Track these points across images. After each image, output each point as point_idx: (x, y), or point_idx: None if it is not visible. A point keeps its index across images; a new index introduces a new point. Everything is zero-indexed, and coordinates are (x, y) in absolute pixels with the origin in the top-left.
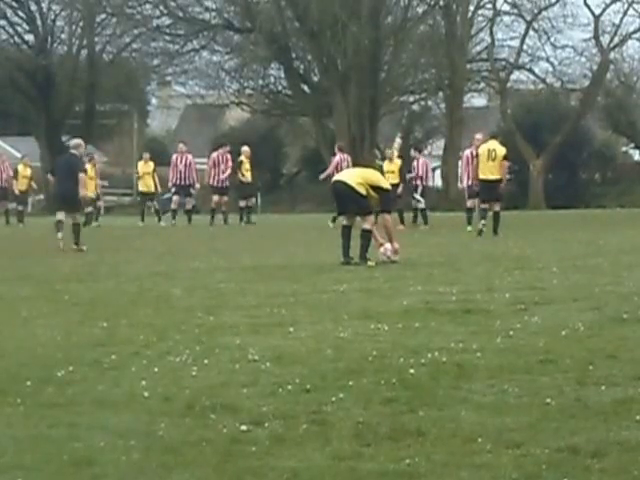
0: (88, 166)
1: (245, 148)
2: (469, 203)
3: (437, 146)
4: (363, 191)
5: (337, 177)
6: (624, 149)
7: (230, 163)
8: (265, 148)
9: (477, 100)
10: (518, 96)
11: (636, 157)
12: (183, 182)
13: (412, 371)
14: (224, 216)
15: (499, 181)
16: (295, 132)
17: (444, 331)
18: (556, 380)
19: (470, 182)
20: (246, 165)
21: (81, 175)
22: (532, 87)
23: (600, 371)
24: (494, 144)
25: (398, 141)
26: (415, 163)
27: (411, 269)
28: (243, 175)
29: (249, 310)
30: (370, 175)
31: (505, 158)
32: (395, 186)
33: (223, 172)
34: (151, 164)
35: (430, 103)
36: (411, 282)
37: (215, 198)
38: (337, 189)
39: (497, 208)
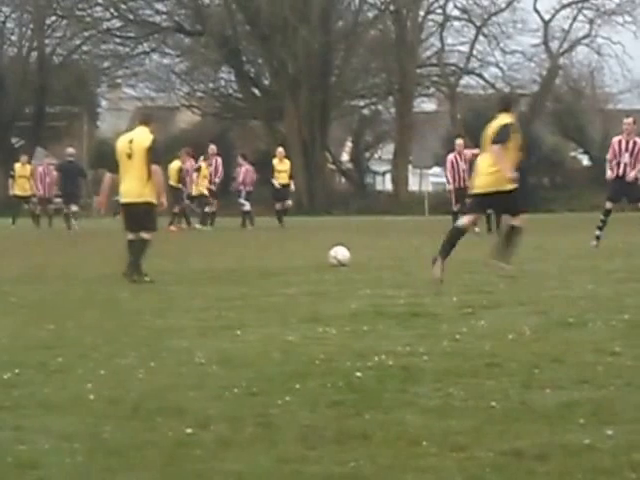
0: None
1: (280, 149)
2: (455, 207)
3: (387, 150)
4: (151, 197)
5: (125, 199)
6: (573, 154)
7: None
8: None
9: (427, 105)
10: (468, 101)
11: (585, 162)
12: None
13: (359, 374)
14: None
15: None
16: (246, 135)
17: (391, 334)
18: (501, 384)
19: (457, 185)
20: (277, 167)
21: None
22: (482, 92)
23: (545, 375)
24: None
25: (349, 145)
26: (238, 169)
27: (360, 272)
28: (276, 178)
29: (197, 313)
30: (143, 153)
31: None
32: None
33: None
34: (28, 167)
35: (380, 107)
36: (360, 285)
37: None
38: (129, 211)
39: None
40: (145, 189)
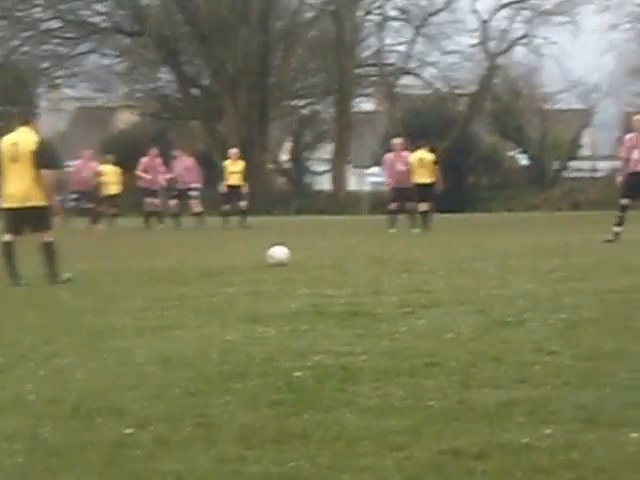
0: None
1: (234, 150)
2: (391, 206)
3: (326, 150)
4: (41, 200)
5: (9, 204)
6: (511, 154)
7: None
8: None
9: (366, 104)
10: (406, 101)
11: (523, 162)
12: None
13: (298, 374)
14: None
15: (431, 184)
16: (185, 135)
17: (331, 334)
18: (440, 383)
19: (392, 185)
20: (230, 168)
21: None
22: (420, 92)
23: (484, 374)
24: (423, 153)
25: (289, 145)
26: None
27: (300, 272)
28: (227, 179)
29: (137, 313)
30: (29, 157)
31: (435, 163)
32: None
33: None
34: None
35: (319, 107)
36: (299, 285)
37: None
38: (14, 215)
39: (425, 208)
40: (33, 193)
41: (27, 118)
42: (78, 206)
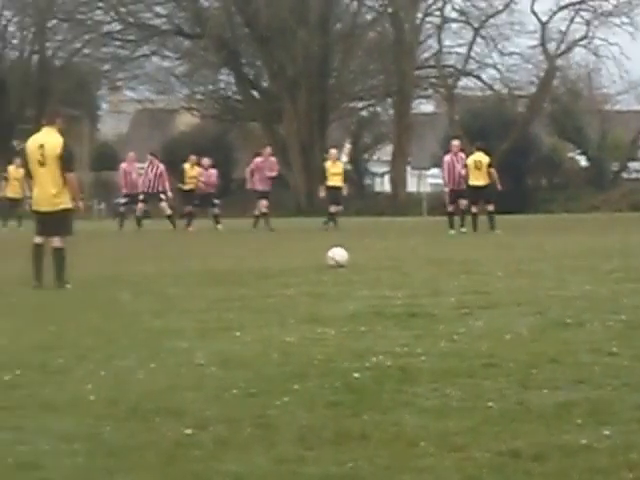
0: None
1: (333, 151)
2: (450, 207)
3: (386, 151)
4: (67, 203)
5: (37, 207)
6: (570, 155)
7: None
8: (215, 153)
9: (425, 106)
10: (466, 102)
11: (582, 163)
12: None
13: (357, 375)
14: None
15: (486, 186)
16: (245, 137)
17: (389, 335)
18: (499, 384)
19: (451, 186)
20: (331, 169)
21: None
22: (479, 93)
23: (542, 375)
24: (480, 156)
25: (348, 146)
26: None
27: (358, 273)
28: (328, 180)
29: (196, 314)
30: (56, 161)
31: (490, 166)
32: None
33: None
34: (21, 170)
35: (379, 109)
36: (358, 286)
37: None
38: (41, 219)
39: (490, 208)
40: (60, 197)
41: (53, 118)
42: (129, 209)
